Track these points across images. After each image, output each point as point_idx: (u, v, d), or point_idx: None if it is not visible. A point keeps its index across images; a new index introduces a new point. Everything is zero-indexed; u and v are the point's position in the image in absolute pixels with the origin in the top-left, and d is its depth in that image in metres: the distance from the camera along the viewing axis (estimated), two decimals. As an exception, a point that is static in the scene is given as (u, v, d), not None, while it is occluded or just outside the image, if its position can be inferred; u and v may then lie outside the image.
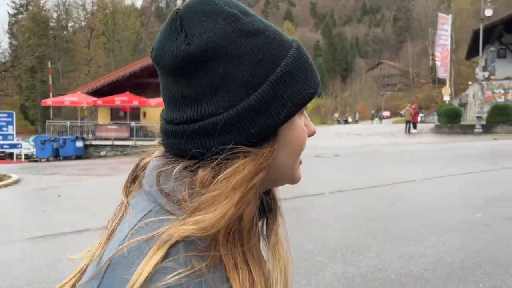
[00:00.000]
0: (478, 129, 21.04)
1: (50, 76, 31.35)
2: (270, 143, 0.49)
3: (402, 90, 75.27)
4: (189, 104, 0.49)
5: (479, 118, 21.60)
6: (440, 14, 27.06)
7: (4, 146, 21.24)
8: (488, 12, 21.82)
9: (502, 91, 34.18)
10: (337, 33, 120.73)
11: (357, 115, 57.93)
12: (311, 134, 0.55)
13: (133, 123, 22.20)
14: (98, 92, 24.40)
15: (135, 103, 22.01)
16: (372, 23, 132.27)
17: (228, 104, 0.47)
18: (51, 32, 70.23)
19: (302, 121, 0.53)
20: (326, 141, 22.26)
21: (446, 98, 26.44)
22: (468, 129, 21.98)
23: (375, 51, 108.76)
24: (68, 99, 22.36)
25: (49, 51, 65.71)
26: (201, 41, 0.46)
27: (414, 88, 69.03)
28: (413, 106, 25.61)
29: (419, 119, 45.94)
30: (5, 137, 20.84)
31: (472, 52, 47.35)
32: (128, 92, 22.75)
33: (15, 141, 21.33)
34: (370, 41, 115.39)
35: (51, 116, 25.50)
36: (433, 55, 60.35)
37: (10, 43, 72.92)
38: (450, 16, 26.61)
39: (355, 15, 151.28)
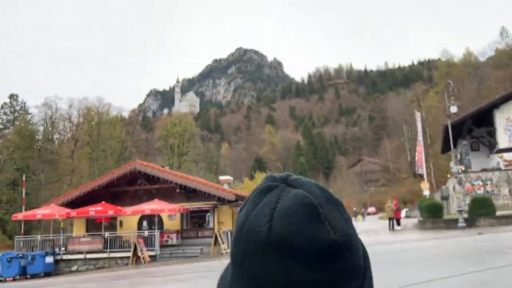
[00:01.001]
0: (461, 223, 20.74)
1: (23, 189, 30.73)
2: None
3: (385, 185, 76.15)
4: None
5: (460, 211, 21.43)
6: (416, 112, 28.34)
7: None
8: (453, 109, 23.03)
9: (481, 183, 34.71)
10: (316, 133, 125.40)
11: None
12: None
13: (107, 234, 21.32)
14: (73, 203, 23.82)
15: (110, 212, 21.40)
16: (349, 123, 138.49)
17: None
18: (37, 145, 71.01)
19: None
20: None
21: (426, 192, 26.57)
22: (452, 223, 21.67)
23: (355, 149, 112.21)
24: (40, 212, 21.65)
25: (33, 163, 65.75)
26: (342, 231, 0.50)
27: (396, 182, 69.93)
28: (394, 202, 25.50)
29: (403, 214, 45.80)
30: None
31: (446, 146, 49.02)
32: (103, 202, 22.27)
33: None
34: (348, 139, 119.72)
35: (22, 231, 24.42)
36: (410, 150, 62.72)
37: (-6, 157, 72.98)
38: (419, 114, 27.94)
39: (332, 116, 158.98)
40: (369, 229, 26.42)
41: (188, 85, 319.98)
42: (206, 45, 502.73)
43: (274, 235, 0.48)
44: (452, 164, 23.67)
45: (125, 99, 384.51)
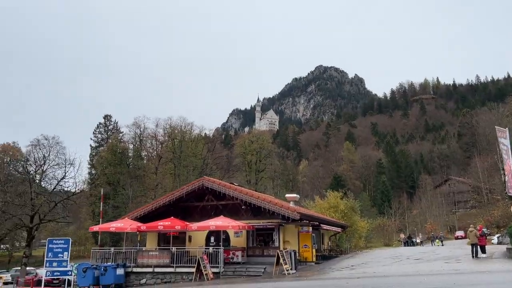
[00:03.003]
0: (559, 253, 18.02)
1: (101, 203, 32.81)
2: None
3: (475, 208, 69.50)
4: None
5: (558, 240, 18.66)
6: (497, 128, 25.55)
7: (55, 274, 21.54)
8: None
9: None
10: (399, 151, 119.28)
11: (420, 236, 53.23)
12: None
13: (174, 249, 21.89)
14: (146, 217, 24.96)
15: (178, 227, 22.00)
16: (436, 140, 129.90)
17: None
18: (127, 161, 76.48)
19: None
20: (378, 267, 20.17)
21: (517, 216, 23.58)
22: (548, 254, 18.92)
23: (442, 167, 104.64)
24: (114, 225, 22.94)
25: (123, 178, 70.70)
26: None
27: (488, 204, 63.49)
28: (478, 227, 22.98)
29: (495, 240, 41.18)
30: (60, 263, 21.15)
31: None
32: (172, 217, 23.00)
33: (67, 268, 21.58)
34: (435, 157, 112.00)
35: (99, 243, 26.05)
36: (503, 169, 56.15)
37: (89, 173, 79.89)
38: (507, 129, 25.08)
39: (417, 133, 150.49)
40: (450, 256, 24.08)
41: (268, 104, 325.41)
42: (287, 64, 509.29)
43: None
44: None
45: (211, 117, 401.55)
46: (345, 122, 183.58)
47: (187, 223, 22.71)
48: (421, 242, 50.26)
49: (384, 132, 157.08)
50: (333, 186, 70.54)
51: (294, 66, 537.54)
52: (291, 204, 26.06)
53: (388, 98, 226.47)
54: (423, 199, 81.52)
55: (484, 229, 55.34)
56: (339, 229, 32.57)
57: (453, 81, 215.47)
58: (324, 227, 28.55)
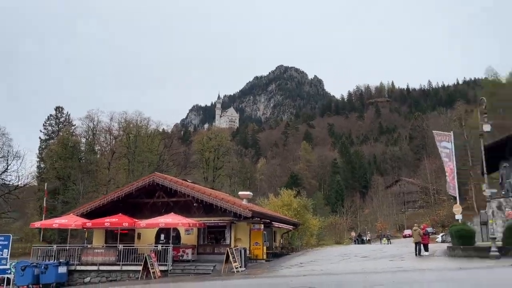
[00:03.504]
0: (494, 251, 18.95)
1: (45, 198, 31.42)
2: None
3: (423, 207, 72.72)
4: None
5: (493, 239, 19.66)
6: (434, 132, 26.83)
7: (-6, 271, 20.22)
8: (486, 128, 21.33)
9: (523, 208, 32.13)
10: (354, 152, 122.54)
11: (368, 235, 55.00)
12: None
13: (121, 246, 21.21)
14: (93, 214, 24.03)
15: (125, 224, 21.33)
16: (389, 142, 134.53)
17: None
18: (79, 156, 73.44)
19: None
20: (326, 265, 20.47)
21: (458, 217, 24.67)
22: (484, 252, 19.86)
23: (393, 168, 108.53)
24: (58, 222, 21.93)
25: (73, 173, 67.86)
26: None
27: (435, 205, 66.57)
28: (421, 226, 23.87)
29: (439, 239, 43.13)
30: (-2, 261, 19.87)
31: (486, 168, 46.04)
32: (120, 214, 22.28)
33: (6, 266, 20.31)
34: (388, 159, 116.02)
35: (45, 239, 24.84)
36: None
37: (38, 167, 76.10)
38: (451, 133, 26.25)
39: (372, 135, 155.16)
40: (395, 254, 24.84)
41: (229, 101, 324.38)
42: (249, 62, 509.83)
43: None
44: (484, 186, 21.85)
45: (170, 113, 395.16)
46: (304, 122, 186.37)
47: (136, 220, 22.07)
48: (369, 240, 51.88)
49: (340, 133, 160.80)
50: (290, 185, 71.26)
51: (256, 64, 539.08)
52: (244, 202, 25.96)
53: (345, 100, 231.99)
54: (374, 199, 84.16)
55: (429, 228, 57.93)
56: (291, 227, 32.86)
57: (407, 86, 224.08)
58: (276, 225, 28.70)
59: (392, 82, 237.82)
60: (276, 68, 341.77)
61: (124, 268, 20.71)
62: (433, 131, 28.05)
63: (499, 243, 20.25)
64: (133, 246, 22.21)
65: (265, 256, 24.43)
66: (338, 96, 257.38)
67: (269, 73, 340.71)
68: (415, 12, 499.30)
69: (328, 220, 55.56)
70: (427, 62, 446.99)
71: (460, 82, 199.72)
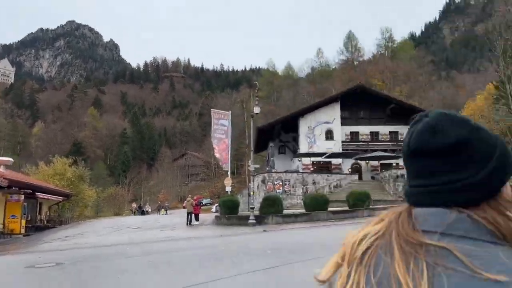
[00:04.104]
0: (252, 220, 21.43)
1: None
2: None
3: (205, 180, 77.76)
4: (447, 173, 0.74)
5: (252, 209, 22.20)
6: (213, 110, 28.65)
7: None
8: (256, 110, 23.76)
9: (281, 183, 37.64)
10: (145, 123, 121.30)
11: (147, 206, 55.84)
12: None
13: None
14: None
15: None
16: (181, 116, 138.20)
17: (476, 172, 0.73)
18: None
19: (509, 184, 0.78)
20: (93, 238, 19.38)
21: (228, 188, 27.06)
22: (244, 220, 22.26)
23: (182, 142, 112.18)
24: None
25: None
26: (453, 136, 0.74)
27: (215, 178, 71.96)
28: (194, 197, 25.18)
29: (214, 209, 46.78)
30: None
31: (259, 147, 52.18)
32: None
33: None
34: (177, 133, 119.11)
35: None
36: (231, 148, 65.28)
37: None
38: (229, 113, 28.35)
39: (165, 108, 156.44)
40: (168, 224, 25.48)
41: (3, 52, 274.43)
42: (33, 10, 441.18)
43: (412, 148, 0.77)
44: (250, 162, 24.46)
45: None
46: (94, 87, 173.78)
47: None
48: (147, 211, 52.42)
49: (133, 102, 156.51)
50: (72, 153, 65.43)
51: (43, 14, 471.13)
52: (1, 169, 22.21)
53: (142, 69, 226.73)
54: (160, 171, 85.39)
55: (207, 200, 62.06)
56: (61, 198, 30.04)
57: (202, 65, 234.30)
58: (42, 196, 25.71)
59: (189, 60, 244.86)
60: (67, 23, 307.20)
61: None
62: (211, 109, 29.73)
63: (257, 213, 23.06)
64: None
65: (23, 230, 21.56)
66: (134, 65, 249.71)
67: (58, 27, 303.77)
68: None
69: (108, 191, 53.42)
70: (222, 47, 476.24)
71: (248, 69, 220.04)
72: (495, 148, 0.76)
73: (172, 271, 8.82)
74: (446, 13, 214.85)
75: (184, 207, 62.30)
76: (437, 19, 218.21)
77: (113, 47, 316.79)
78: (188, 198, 24.39)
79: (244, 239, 15.94)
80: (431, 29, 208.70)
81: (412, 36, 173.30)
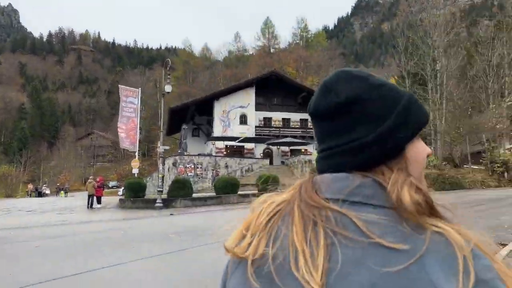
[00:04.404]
0: (159, 203, 20.60)
1: None
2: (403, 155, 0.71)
3: (112, 161, 73.98)
4: (341, 134, 0.70)
5: (160, 192, 21.34)
6: (121, 87, 27.00)
7: None
8: (168, 88, 22.68)
9: (193, 166, 36.96)
10: (47, 98, 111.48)
11: (45, 188, 51.69)
12: (428, 153, 0.74)
13: None
14: None
15: None
16: (88, 93, 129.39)
17: (368, 131, 0.68)
18: None
19: (420, 143, 0.74)
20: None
21: (135, 171, 25.77)
22: (151, 203, 21.34)
23: (88, 121, 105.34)
24: None
25: None
26: (345, 94, 0.70)
27: (123, 160, 68.77)
28: (97, 179, 23.55)
29: (120, 192, 44.57)
30: None
31: (172, 129, 50.65)
32: None
33: None
34: (83, 110, 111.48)
35: None
36: (141, 128, 62.16)
37: None
38: (139, 90, 26.86)
39: (70, 83, 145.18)
40: (67, 207, 23.61)
41: None
42: None
43: (310, 110, 0.74)
44: (159, 144, 23.47)
45: None
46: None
47: None
48: (45, 193, 48.48)
49: (34, 75, 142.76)
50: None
51: None
52: None
53: (45, 40, 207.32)
54: (62, 150, 79.32)
55: (113, 183, 59.12)
56: None
57: (113, 40, 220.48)
58: None
59: (99, 33, 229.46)
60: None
61: None
62: (119, 86, 27.92)
63: (165, 196, 22.25)
64: None
65: None
66: (36, 34, 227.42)
67: None
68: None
69: (1, 170, 48.20)
70: (136, 22, 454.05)
71: (163, 47, 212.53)
72: (397, 105, 0.71)
73: (59, 258, 7.89)
74: (357, 9, 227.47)
75: (66, 192, 59.02)
76: (349, 14, 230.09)
77: (11, 12, 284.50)
78: (90, 180, 22.74)
79: (148, 223, 15.19)
80: (343, 23, 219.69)
81: (326, 29, 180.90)
